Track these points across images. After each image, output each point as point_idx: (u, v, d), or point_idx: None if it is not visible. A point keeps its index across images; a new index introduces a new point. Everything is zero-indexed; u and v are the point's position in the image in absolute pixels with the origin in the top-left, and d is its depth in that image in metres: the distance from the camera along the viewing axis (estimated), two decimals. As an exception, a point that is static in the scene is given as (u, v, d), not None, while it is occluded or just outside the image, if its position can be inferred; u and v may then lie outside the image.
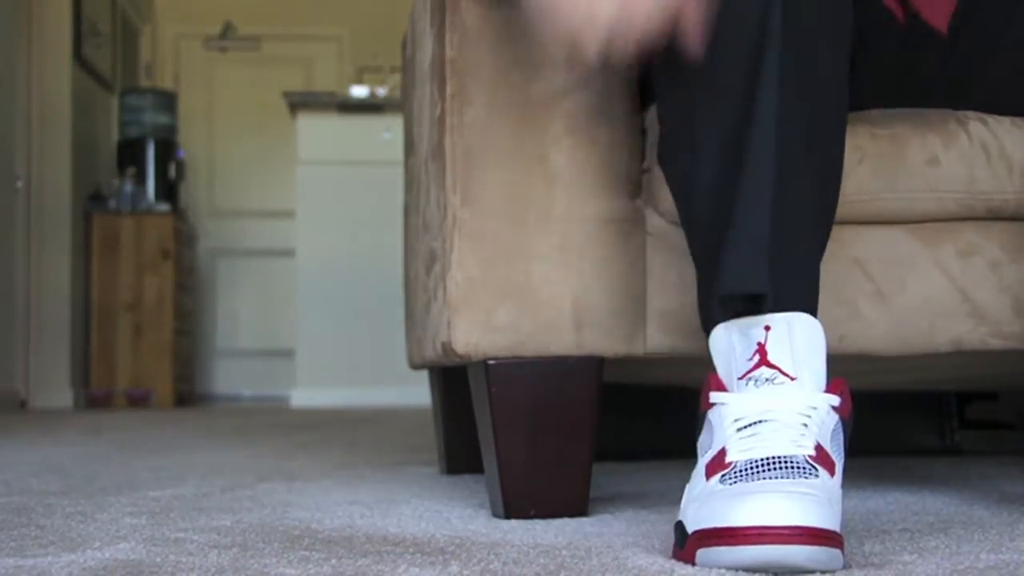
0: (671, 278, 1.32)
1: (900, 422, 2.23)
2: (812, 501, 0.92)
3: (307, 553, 1.08)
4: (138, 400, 5.92)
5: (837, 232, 1.33)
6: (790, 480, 0.96)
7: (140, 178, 6.15)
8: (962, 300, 1.34)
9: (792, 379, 1.03)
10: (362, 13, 7.65)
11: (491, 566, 1.00)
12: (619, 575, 0.95)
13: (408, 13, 1.81)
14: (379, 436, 3.00)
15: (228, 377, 7.43)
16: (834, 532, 0.93)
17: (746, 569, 0.91)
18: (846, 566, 0.97)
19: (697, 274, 1.14)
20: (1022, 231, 1.36)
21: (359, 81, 7.16)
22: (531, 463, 1.32)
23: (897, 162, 1.31)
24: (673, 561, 1.00)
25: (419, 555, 1.06)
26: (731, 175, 1.06)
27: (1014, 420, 2.28)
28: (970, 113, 1.34)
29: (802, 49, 1.05)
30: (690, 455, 2.27)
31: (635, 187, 1.33)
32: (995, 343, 1.35)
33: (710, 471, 1.03)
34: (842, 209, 1.31)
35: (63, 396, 5.72)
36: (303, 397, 5.53)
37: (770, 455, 0.98)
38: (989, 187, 1.32)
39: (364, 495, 1.60)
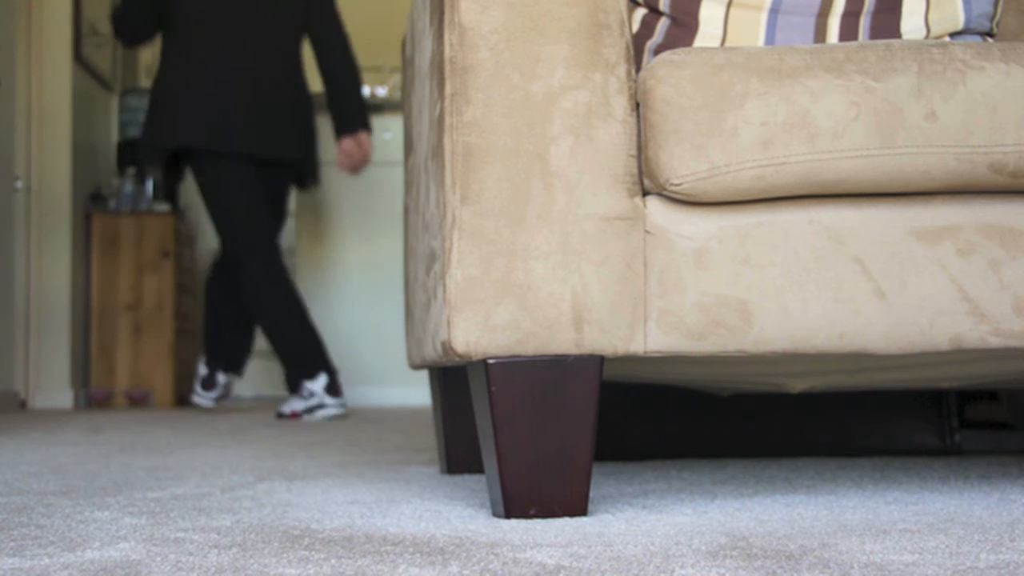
0: (671, 277, 1.32)
1: (900, 422, 2.23)
2: None
3: (307, 553, 1.08)
4: (138, 400, 5.92)
5: (837, 229, 1.33)
6: None
7: (140, 178, 6.15)
8: (962, 298, 1.34)
9: None
10: (362, 13, 7.64)
11: (491, 566, 1.00)
12: (618, 575, 0.95)
13: (408, 13, 1.81)
14: (379, 436, 3.00)
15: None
16: None
17: None
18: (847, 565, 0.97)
19: None
20: (1019, 215, 1.36)
21: (359, 81, 7.16)
22: (531, 463, 1.32)
23: (895, 118, 1.31)
24: (675, 561, 1.00)
25: (419, 555, 1.06)
26: None
27: (1014, 420, 2.28)
28: (969, 60, 1.34)
29: None
30: (690, 455, 2.27)
31: (634, 185, 1.33)
32: (995, 341, 1.35)
33: None
34: (841, 166, 1.31)
35: (63, 396, 5.72)
36: (303, 397, 5.52)
37: None
38: (987, 140, 1.32)
39: (364, 495, 1.60)
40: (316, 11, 4.28)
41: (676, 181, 1.31)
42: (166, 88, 4.25)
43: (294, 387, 4.26)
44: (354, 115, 4.32)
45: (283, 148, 4.27)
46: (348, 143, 4.34)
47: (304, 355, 4.22)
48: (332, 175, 5.60)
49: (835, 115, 1.31)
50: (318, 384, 4.20)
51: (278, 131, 4.26)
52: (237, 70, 4.20)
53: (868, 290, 1.34)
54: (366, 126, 4.36)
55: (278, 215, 4.49)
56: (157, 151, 4.32)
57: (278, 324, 4.21)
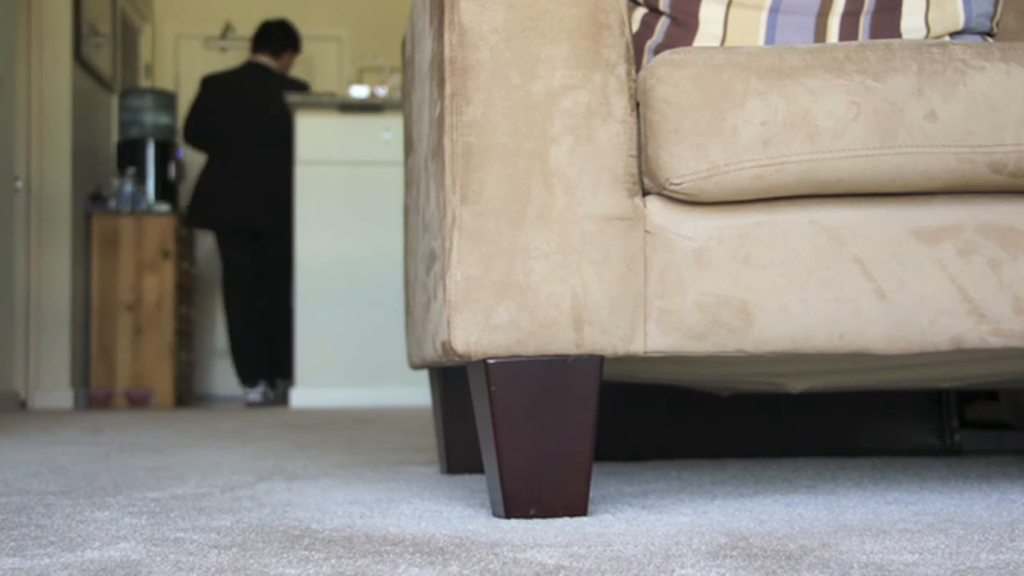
0: (671, 277, 1.32)
1: (900, 422, 2.23)
2: None
3: (307, 553, 1.08)
4: (138, 400, 5.92)
5: (837, 229, 1.33)
6: None
7: (140, 178, 6.15)
8: (962, 298, 1.34)
9: None
10: (362, 13, 7.64)
11: (491, 566, 1.00)
12: (618, 575, 0.95)
13: (408, 13, 1.81)
14: (379, 436, 3.00)
15: (228, 377, 7.43)
16: None
17: None
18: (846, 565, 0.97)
19: None
20: (1020, 215, 1.36)
21: (359, 81, 7.16)
22: (531, 462, 1.32)
23: (895, 118, 1.31)
24: (675, 561, 1.00)
25: (419, 555, 1.06)
26: None
27: (1014, 420, 2.28)
28: (969, 60, 1.34)
29: None
30: (690, 455, 2.27)
31: (634, 185, 1.33)
32: (995, 341, 1.35)
33: None
34: (841, 165, 1.31)
35: (63, 396, 5.72)
36: (303, 397, 5.53)
37: None
38: (987, 140, 1.32)
39: (364, 495, 1.60)
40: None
41: (676, 181, 1.31)
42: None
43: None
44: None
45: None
46: None
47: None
48: (332, 175, 5.60)
49: (835, 115, 1.31)
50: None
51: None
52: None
53: (868, 290, 1.34)
54: None
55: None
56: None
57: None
